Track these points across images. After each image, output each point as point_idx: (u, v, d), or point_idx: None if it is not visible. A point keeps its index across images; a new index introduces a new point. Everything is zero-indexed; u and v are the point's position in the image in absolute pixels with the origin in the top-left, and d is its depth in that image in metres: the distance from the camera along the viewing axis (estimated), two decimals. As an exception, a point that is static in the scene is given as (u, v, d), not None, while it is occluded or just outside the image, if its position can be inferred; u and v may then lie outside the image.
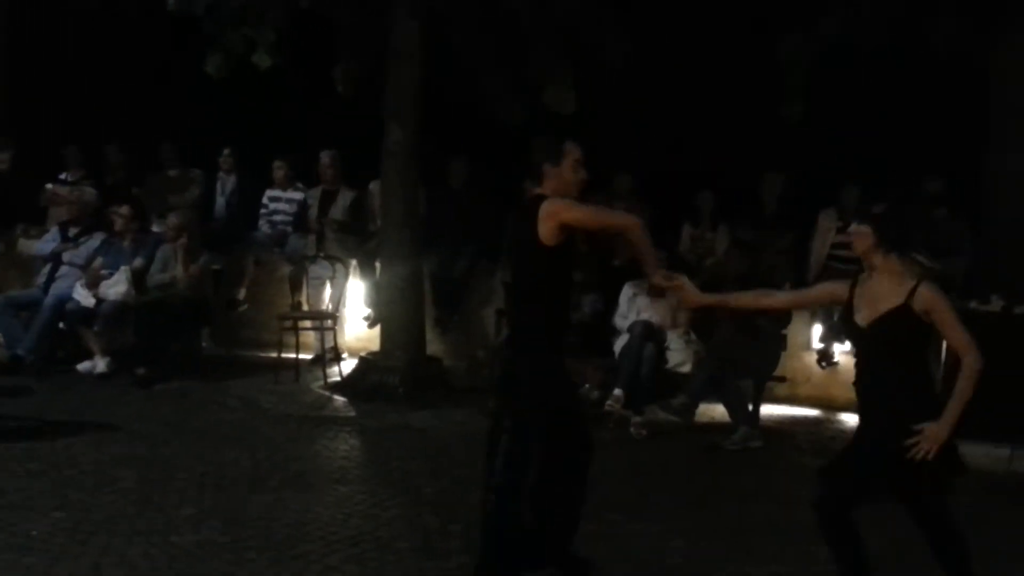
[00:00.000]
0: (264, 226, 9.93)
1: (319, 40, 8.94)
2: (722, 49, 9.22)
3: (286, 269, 9.51)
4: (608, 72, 8.46)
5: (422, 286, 8.73)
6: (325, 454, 6.60)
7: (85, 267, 8.61)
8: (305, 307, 9.18)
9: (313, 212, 9.58)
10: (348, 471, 6.25)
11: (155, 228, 9.51)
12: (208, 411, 7.44)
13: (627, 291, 7.80)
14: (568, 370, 4.58)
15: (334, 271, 9.10)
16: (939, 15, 7.58)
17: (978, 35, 7.73)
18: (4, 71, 11.37)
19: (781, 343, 7.73)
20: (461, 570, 4.66)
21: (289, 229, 9.75)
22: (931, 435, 3.83)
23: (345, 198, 9.50)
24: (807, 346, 8.59)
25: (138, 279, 8.50)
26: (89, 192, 9.40)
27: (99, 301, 8.36)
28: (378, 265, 8.88)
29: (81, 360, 8.43)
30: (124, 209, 8.84)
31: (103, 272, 8.49)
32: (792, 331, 7.98)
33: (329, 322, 8.82)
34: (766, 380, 7.62)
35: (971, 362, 3.87)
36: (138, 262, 8.59)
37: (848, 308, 4.08)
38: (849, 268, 8.52)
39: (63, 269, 8.72)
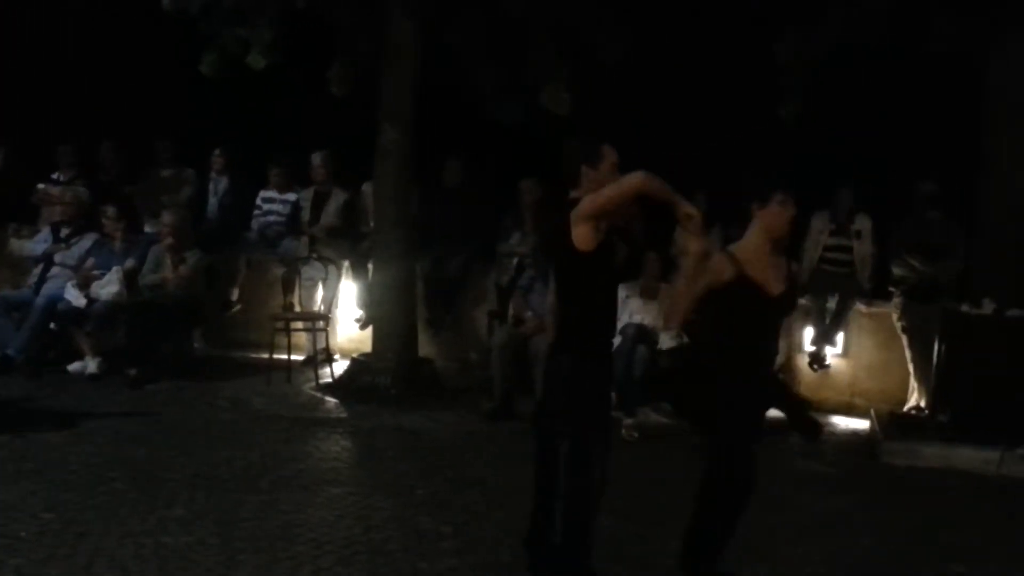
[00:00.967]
0: (257, 227, 9.91)
1: (313, 39, 8.92)
2: (719, 50, 9.21)
3: (278, 270, 9.49)
4: (604, 72, 8.46)
5: (415, 287, 8.72)
6: (317, 455, 6.58)
7: (77, 268, 8.58)
8: (297, 308, 9.18)
9: (305, 214, 9.55)
10: (340, 472, 6.24)
11: (148, 228, 9.50)
12: (200, 412, 7.42)
13: (620, 293, 7.77)
14: (607, 375, 4.61)
15: (326, 272, 9.09)
16: (938, 15, 7.58)
17: (977, 36, 7.73)
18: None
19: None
20: (453, 572, 4.66)
21: (283, 230, 9.74)
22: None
23: (337, 199, 9.47)
24: (799, 349, 8.59)
25: (130, 280, 8.47)
26: (81, 192, 9.35)
27: (90, 301, 8.33)
28: (371, 266, 8.87)
29: (72, 361, 8.39)
30: (111, 210, 8.82)
31: (94, 272, 8.47)
32: (783, 334, 7.97)
33: (321, 323, 8.81)
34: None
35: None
36: (130, 263, 8.55)
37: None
38: (840, 271, 8.55)
39: (54, 269, 8.68)
